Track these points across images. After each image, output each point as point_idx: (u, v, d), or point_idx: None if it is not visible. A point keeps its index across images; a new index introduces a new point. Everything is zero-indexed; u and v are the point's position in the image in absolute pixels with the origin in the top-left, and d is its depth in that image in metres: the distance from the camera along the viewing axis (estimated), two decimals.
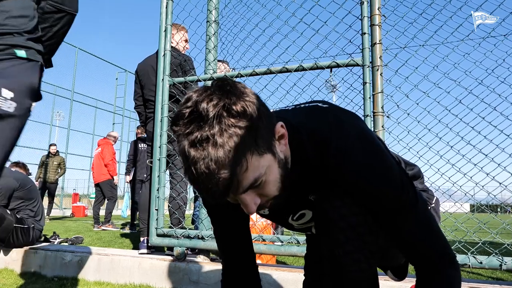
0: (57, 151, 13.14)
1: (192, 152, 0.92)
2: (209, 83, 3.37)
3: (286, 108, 1.32)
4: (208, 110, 0.91)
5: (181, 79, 3.54)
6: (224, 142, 0.90)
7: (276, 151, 1.04)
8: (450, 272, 1.15)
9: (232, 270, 1.53)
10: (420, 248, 1.16)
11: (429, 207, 1.48)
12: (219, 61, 4.51)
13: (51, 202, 13.59)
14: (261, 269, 2.90)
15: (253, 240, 3.00)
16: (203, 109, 0.92)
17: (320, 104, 1.22)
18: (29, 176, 4.88)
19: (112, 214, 9.89)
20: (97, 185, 10.01)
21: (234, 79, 3.37)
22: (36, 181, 12.33)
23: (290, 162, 1.13)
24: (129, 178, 9.36)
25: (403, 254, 1.22)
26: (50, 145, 13.44)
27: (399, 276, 1.63)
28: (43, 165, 12.63)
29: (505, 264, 2.41)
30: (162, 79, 3.54)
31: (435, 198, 1.60)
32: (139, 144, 8.92)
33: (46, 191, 12.73)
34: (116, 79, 21.05)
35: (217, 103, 0.92)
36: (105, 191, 9.86)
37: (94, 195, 11.48)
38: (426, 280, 1.18)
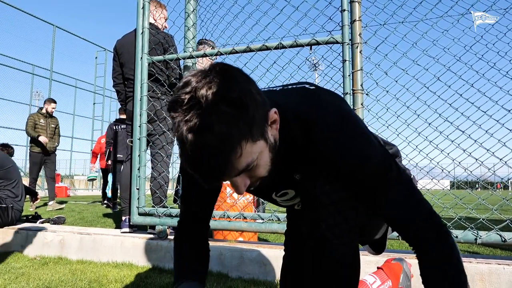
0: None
1: (189, 138, 0.95)
2: (188, 61, 3.38)
3: (274, 88, 1.35)
4: (207, 97, 0.94)
5: (160, 57, 3.50)
6: (221, 130, 0.94)
7: (268, 136, 1.08)
8: (445, 240, 1.17)
9: (190, 227, 1.54)
10: (409, 222, 1.18)
11: None
12: (202, 42, 4.46)
13: (50, 181, 9.28)
14: (243, 246, 2.95)
15: (234, 218, 3.04)
16: (202, 96, 0.94)
17: (307, 86, 1.26)
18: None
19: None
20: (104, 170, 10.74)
21: (214, 57, 3.36)
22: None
23: (278, 142, 1.17)
24: (109, 160, 9.72)
25: (395, 231, 1.24)
26: (48, 100, 9.44)
27: (377, 250, 1.67)
28: (35, 128, 8.99)
29: (480, 238, 2.47)
30: (141, 58, 3.49)
31: (412, 176, 1.63)
32: (114, 126, 8.99)
33: (42, 166, 9.30)
34: (96, 58, 20.68)
35: (216, 91, 0.95)
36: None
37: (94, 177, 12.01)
38: (426, 254, 1.18)
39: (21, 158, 18.41)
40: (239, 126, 0.97)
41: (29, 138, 9.14)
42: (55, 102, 9.43)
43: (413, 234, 1.19)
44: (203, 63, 4.72)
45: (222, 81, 0.97)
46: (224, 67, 1.03)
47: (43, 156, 9.12)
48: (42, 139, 8.84)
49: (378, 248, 1.67)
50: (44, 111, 9.23)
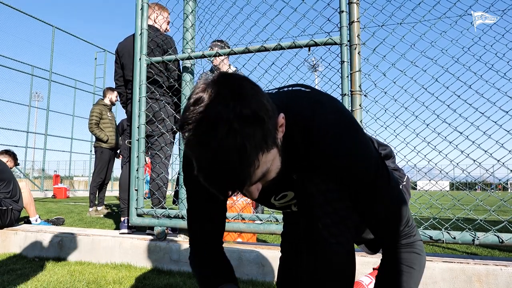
0: None
1: (207, 159, 0.94)
2: (187, 62, 3.38)
3: (270, 91, 1.35)
4: (221, 116, 0.92)
5: (159, 58, 3.49)
6: (237, 147, 0.92)
7: (278, 142, 1.09)
8: (410, 252, 1.29)
9: (203, 250, 1.49)
10: (385, 226, 1.27)
11: (401, 186, 1.53)
12: (217, 41, 4.50)
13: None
14: (241, 247, 2.95)
15: (233, 219, 3.04)
16: (215, 115, 0.92)
17: (302, 89, 1.28)
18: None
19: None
20: None
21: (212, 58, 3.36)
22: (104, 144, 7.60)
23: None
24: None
25: (371, 230, 1.29)
26: (109, 89, 8.09)
27: (373, 249, 1.67)
28: (100, 120, 7.76)
29: (477, 239, 2.47)
30: (139, 59, 3.50)
31: (406, 176, 1.65)
32: None
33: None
34: (95, 59, 20.61)
35: (229, 109, 0.93)
36: None
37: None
38: (388, 257, 1.32)
39: (20, 159, 18.39)
40: (255, 140, 0.95)
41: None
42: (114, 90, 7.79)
43: (384, 237, 1.30)
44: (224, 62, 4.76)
45: (236, 97, 0.95)
46: (235, 80, 1.01)
47: (111, 153, 7.91)
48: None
49: (374, 247, 1.67)
50: (108, 101, 7.98)
